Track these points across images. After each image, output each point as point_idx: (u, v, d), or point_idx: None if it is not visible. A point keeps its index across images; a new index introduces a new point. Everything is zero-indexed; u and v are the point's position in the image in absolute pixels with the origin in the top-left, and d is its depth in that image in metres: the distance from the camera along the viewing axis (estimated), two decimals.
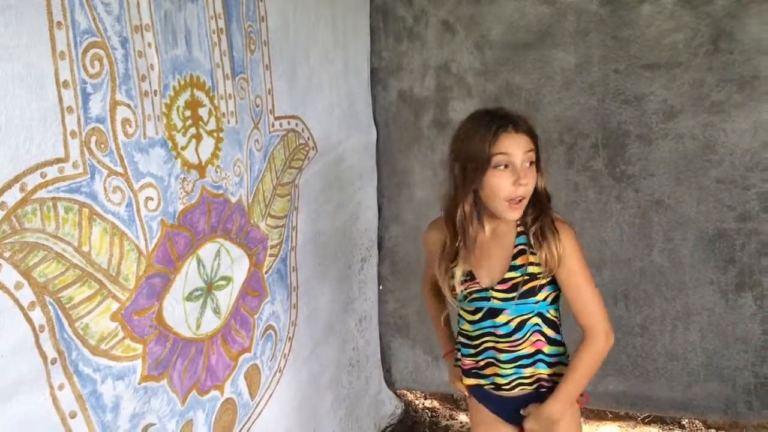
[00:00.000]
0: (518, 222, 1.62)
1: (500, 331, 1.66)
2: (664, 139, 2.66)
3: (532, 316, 1.64)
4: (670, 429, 2.90)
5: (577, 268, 1.59)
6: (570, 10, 2.71)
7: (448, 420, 3.17)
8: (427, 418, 3.20)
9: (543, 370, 1.69)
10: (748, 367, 2.66)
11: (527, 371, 1.69)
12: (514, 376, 1.70)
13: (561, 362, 1.70)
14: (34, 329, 1.22)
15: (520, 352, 1.67)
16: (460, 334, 1.80)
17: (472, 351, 1.74)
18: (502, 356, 1.68)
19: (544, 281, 1.61)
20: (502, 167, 1.51)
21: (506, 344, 1.67)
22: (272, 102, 2.06)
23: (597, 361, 1.61)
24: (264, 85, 2.00)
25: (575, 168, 2.78)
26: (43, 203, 1.22)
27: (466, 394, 1.84)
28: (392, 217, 3.14)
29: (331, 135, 2.51)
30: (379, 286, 3.16)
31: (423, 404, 3.33)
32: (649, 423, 2.94)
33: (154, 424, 1.56)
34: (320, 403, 2.51)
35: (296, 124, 2.22)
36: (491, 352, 1.70)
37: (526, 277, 1.60)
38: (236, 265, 1.87)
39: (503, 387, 1.71)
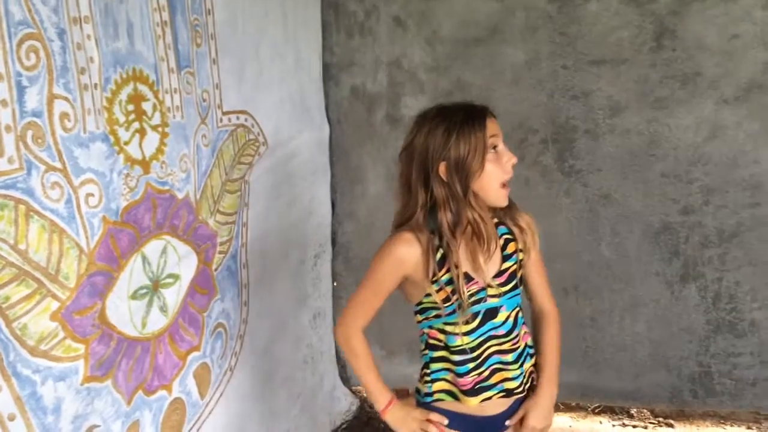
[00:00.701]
0: (491, 214, 1.59)
1: (502, 331, 1.58)
2: (611, 135, 2.71)
3: (519, 308, 1.62)
4: (619, 418, 2.96)
5: (539, 252, 1.66)
6: (518, 6, 2.74)
7: None
8: None
9: (529, 363, 1.66)
10: (692, 356, 2.74)
11: (525, 367, 1.64)
12: (522, 377, 1.63)
13: (533, 352, 1.69)
14: None
15: (519, 348, 1.62)
16: (443, 358, 1.61)
17: (474, 364, 1.58)
18: (509, 357, 1.59)
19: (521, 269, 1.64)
20: (492, 151, 1.50)
21: (509, 343, 1.59)
22: (220, 97, 2.02)
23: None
24: (211, 80, 1.97)
25: (526, 163, 2.82)
26: None
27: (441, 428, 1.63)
28: (346, 213, 3.13)
29: (282, 130, 2.49)
30: (333, 283, 3.15)
31: None
32: (599, 413, 3.00)
33: (99, 426, 1.52)
34: (274, 401, 2.49)
35: (245, 120, 2.19)
36: (496, 357, 1.59)
37: (518, 266, 1.60)
38: (183, 262, 1.84)
39: (516, 391, 1.62)
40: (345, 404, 3.17)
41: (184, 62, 1.81)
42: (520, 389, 1.62)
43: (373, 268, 1.56)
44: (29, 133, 1.29)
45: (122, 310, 1.58)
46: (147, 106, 1.65)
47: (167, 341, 1.78)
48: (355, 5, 2.93)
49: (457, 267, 1.50)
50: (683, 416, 2.89)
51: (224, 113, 2.05)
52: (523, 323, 1.64)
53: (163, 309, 1.75)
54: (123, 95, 1.56)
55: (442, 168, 1.48)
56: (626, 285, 2.76)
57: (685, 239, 2.67)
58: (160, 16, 1.70)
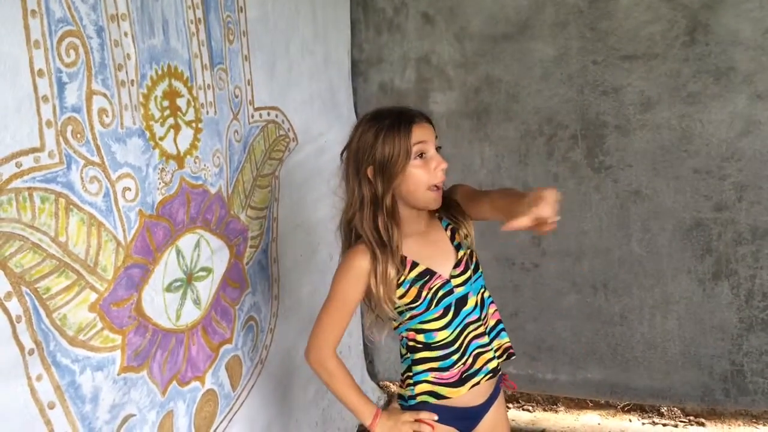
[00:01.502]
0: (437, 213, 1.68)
1: (474, 316, 1.64)
2: (642, 130, 2.69)
3: (484, 290, 1.70)
4: (649, 417, 2.93)
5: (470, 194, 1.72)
6: (549, 1, 2.72)
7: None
8: None
9: (505, 339, 1.73)
10: (725, 355, 2.71)
11: (495, 344, 1.70)
12: (500, 351, 1.71)
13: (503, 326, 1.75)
14: (10, 320, 1.20)
15: (490, 326, 1.70)
16: (424, 359, 1.63)
17: (457, 355, 1.62)
18: (485, 339, 1.66)
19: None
20: (420, 157, 1.54)
21: (483, 326, 1.67)
22: (252, 93, 2.05)
23: None
24: (243, 76, 2.00)
25: (555, 159, 2.81)
26: (18, 193, 1.21)
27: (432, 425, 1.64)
28: None
29: (312, 127, 2.51)
30: None
31: None
32: (628, 411, 2.98)
33: (134, 415, 1.55)
34: (303, 395, 2.51)
35: (276, 116, 2.21)
36: (475, 343, 1.65)
37: (470, 251, 1.67)
38: (216, 256, 1.87)
39: (498, 369, 1.69)
40: (373, 398, 3.19)
41: (217, 59, 1.83)
42: (499, 367, 1.69)
43: (335, 286, 1.62)
44: (69, 129, 1.32)
45: (157, 302, 1.61)
46: (181, 102, 1.67)
47: (200, 333, 1.80)
48: (383, 2, 2.94)
49: (415, 265, 1.59)
50: (715, 415, 2.85)
51: (255, 109, 2.07)
52: (491, 302, 1.71)
53: (197, 302, 1.78)
54: (158, 91, 1.58)
55: (369, 170, 1.56)
56: (657, 282, 2.74)
57: (718, 236, 2.64)
58: (194, 14, 1.73)
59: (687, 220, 2.67)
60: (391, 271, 1.56)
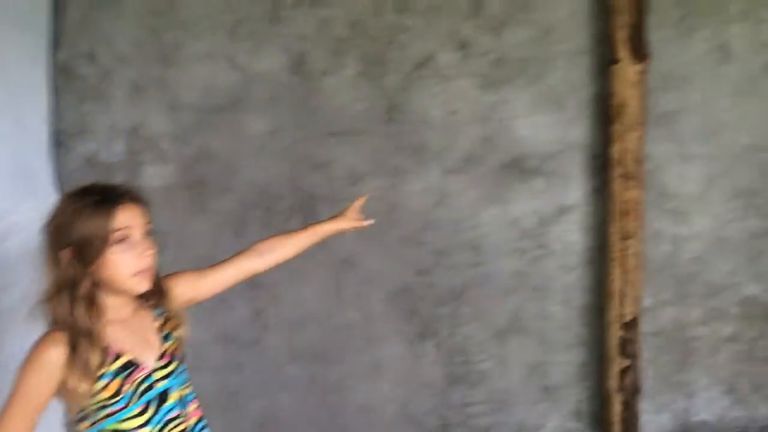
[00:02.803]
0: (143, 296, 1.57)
1: (175, 413, 1.53)
2: (351, 202, 2.82)
3: (187, 385, 1.60)
4: None
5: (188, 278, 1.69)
6: (260, 77, 2.79)
7: None
8: None
9: None
10: (434, 410, 2.89)
11: None
12: None
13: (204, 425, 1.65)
14: None
15: (191, 425, 1.58)
16: None
17: None
18: None
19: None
20: (123, 242, 1.44)
21: (184, 424, 1.56)
22: None
23: None
24: None
25: (272, 230, 2.80)
26: None
27: None
28: None
29: None
30: None
31: None
32: None
33: None
34: None
35: None
36: None
37: (178, 343, 1.59)
38: None
39: None
40: None
41: None
42: None
43: (20, 379, 1.39)
44: None
45: None
46: None
47: None
48: (87, 68, 2.76)
49: (118, 356, 1.45)
50: None
51: None
52: (193, 398, 1.61)
53: None
54: None
55: (67, 251, 1.42)
56: (370, 346, 2.86)
57: (421, 299, 2.85)
58: None
59: (394, 285, 2.84)
60: (90, 363, 1.39)
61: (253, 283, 2.78)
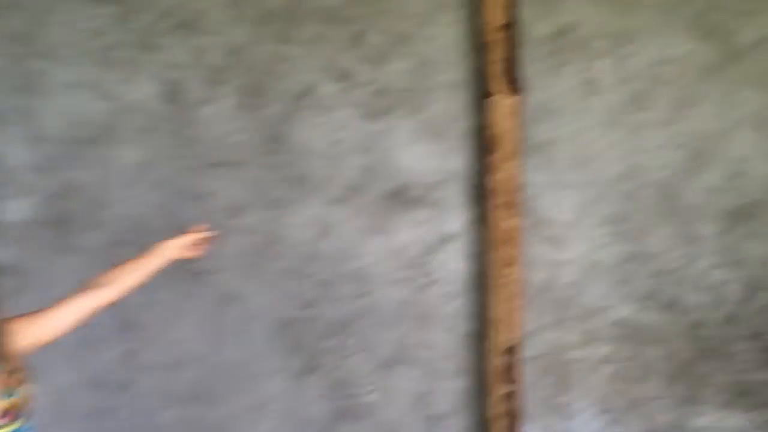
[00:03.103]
0: None
1: None
2: (233, 235, 2.75)
3: None
4: None
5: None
6: (131, 106, 2.68)
7: None
8: None
9: None
10: None
11: None
12: None
13: None
14: None
15: None
16: None
17: None
18: None
19: None
20: None
21: None
22: None
23: None
24: None
25: None
26: None
27: None
28: None
29: None
30: None
31: None
32: None
33: None
34: None
35: None
36: None
37: (23, 400, 1.48)
38: None
39: None
40: None
41: None
42: None
43: None
44: None
45: None
46: None
47: None
48: None
49: None
50: None
51: None
52: None
53: None
54: None
55: None
56: (253, 384, 2.77)
57: (306, 332, 2.79)
58: None
59: (278, 320, 2.77)
60: None
61: (123, 324, 2.67)
